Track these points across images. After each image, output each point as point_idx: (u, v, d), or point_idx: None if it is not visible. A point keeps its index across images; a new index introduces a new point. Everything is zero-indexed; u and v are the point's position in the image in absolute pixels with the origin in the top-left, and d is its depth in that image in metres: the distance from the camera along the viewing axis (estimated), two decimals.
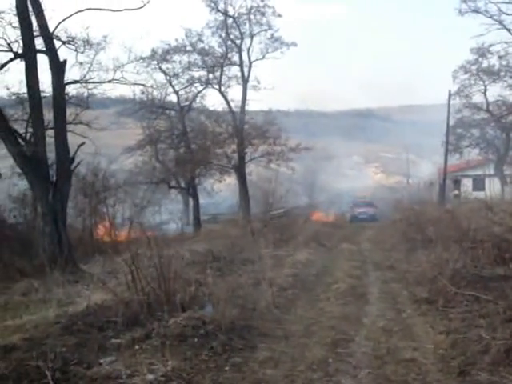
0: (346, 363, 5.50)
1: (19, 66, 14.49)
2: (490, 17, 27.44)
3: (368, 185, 60.98)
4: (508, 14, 27.21)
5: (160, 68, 29.95)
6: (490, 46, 29.80)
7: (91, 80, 19.31)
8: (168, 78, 30.48)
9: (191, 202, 32.18)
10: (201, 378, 4.95)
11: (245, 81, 30.05)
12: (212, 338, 5.93)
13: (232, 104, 30.35)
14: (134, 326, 6.48)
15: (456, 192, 40.18)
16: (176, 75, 30.60)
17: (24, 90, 15.27)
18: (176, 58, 30.19)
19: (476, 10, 27.78)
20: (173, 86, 30.79)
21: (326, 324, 7.23)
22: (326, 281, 10.98)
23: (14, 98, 17.96)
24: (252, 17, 29.76)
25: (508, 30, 27.77)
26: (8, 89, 17.97)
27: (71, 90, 18.57)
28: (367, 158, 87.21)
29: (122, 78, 20.42)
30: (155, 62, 29.47)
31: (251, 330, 6.57)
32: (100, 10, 16.16)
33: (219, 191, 36.05)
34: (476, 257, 9.55)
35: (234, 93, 30.38)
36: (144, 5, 15.58)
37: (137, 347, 5.72)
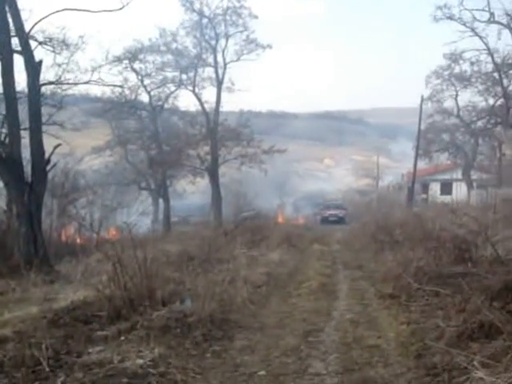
0: (317, 350, 6.04)
1: None
2: (464, 24, 28.55)
3: (338, 187, 62.09)
4: (481, 21, 28.33)
5: (132, 67, 29.55)
6: (463, 52, 30.81)
7: (67, 81, 19.21)
8: (140, 77, 30.15)
9: (161, 203, 32.12)
10: (185, 363, 5.41)
11: (219, 82, 29.92)
12: (194, 329, 6.37)
13: (206, 105, 30.27)
14: (118, 319, 6.82)
15: (424, 196, 41.34)
16: (148, 75, 30.29)
17: None
18: (149, 58, 29.95)
19: (450, 17, 28.80)
20: (145, 86, 30.49)
21: (298, 317, 7.77)
22: (298, 279, 11.52)
23: None
24: (228, 18, 29.58)
25: (480, 37, 28.90)
26: None
27: (46, 90, 18.34)
28: (338, 161, 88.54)
29: (100, 79, 20.58)
30: (127, 61, 28.99)
31: (229, 323, 7.06)
32: (78, 10, 16.10)
33: (191, 193, 35.90)
34: (438, 256, 10.18)
35: (208, 94, 29.60)
36: (123, 6, 15.33)
37: (123, 338, 6.09)
